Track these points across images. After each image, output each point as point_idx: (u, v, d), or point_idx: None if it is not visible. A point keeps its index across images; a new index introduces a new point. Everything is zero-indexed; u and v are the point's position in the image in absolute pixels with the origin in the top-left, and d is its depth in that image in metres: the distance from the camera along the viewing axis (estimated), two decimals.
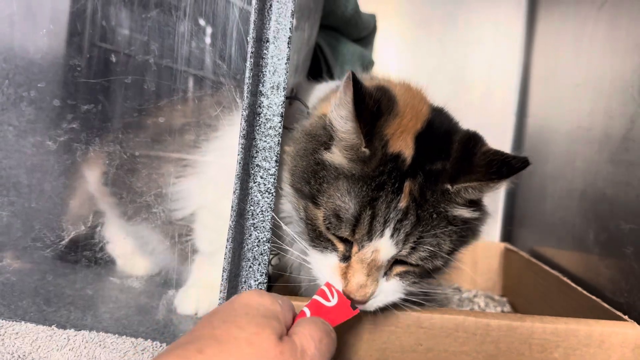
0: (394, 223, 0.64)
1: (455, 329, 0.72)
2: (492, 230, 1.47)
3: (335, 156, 0.68)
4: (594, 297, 0.87)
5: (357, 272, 0.64)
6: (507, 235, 1.47)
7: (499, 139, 1.49)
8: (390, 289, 0.68)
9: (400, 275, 0.68)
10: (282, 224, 0.74)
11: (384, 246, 0.64)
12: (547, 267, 1.07)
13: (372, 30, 1.31)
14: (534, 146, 1.38)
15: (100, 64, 0.79)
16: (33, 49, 0.80)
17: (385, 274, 0.68)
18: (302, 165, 0.71)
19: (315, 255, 0.69)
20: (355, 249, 0.66)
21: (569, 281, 0.96)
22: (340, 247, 0.68)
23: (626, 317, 0.77)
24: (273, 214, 0.72)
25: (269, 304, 0.53)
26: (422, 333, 0.72)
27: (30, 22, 0.80)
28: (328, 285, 0.65)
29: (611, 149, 0.94)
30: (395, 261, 0.67)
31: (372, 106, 0.65)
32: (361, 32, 1.24)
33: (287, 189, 0.74)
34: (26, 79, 0.80)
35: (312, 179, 0.68)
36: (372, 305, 0.67)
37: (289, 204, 0.75)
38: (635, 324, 0.74)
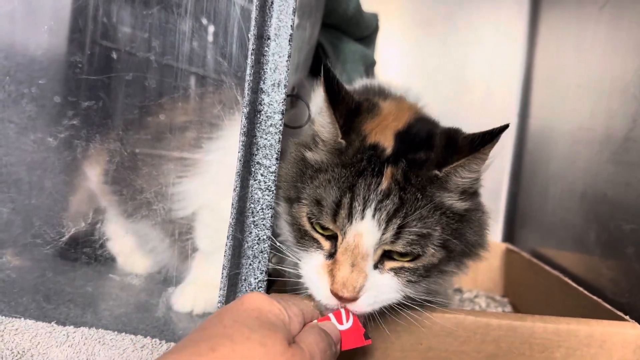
0: (375, 203, 0.62)
1: (455, 328, 0.72)
2: (493, 231, 1.47)
3: (317, 154, 0.70)
4: (595, 298, 0.86)
5: (342, 264, 0.62)
6: (509, 235, 1.47)
7: (501, 140, 1.49)
8: (384, 284, 0.65)
9: (395, 270, 0.65)
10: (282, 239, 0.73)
11: (366, 229, 0.62)
12: (548, 268, 1.07)
13: (375, 30, 1.31)
14: (536, 147, 1.37)
15: (101, 60, 0.79)
16: (34, 45, 0.80)
17: (377, 267, 0.65)
18: (292, 171, 0.71)
19: (304, 259, 0.68)
20: (339, 240, 0.64)
21: (570, 281, 0.96)
22: (326, 245, 0.66)
23: (627, 317, 0.77)
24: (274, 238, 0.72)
25: (278, 313, 0.53)
26: (422, 332, 0.72)
27: (31, 18, 0.80)
28: (347, 309, 0.64)
29: (612, 150, 0.94)
30: (385, 255, 0.65)
31: (351, 104, 0.68)
32: (363, 31, 1.24)
33: (280, 203, 0.74)
34: (27, 76, 0.80)
35: (299, 181, 0.69)
36: (365, 303, 0.63)
37: (282, 224, 0.75)
38: (636, 324, 0.74)
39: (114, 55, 0.79)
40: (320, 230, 0.66)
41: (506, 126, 0.62)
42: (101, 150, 0.82)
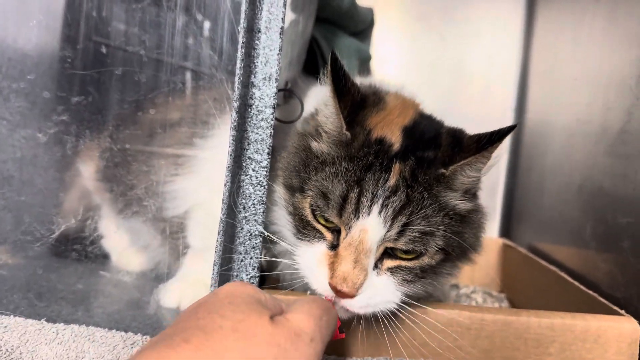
0: (382, 199, 0.62)
1: (449, 323, 0.71)
2: (490, 226, 1.46)
3: (322, 144, 0.69)
4: (591, 292, 0.86)
5: (344, 259, 0.62)
6: (505, 230, 1.46)
7: None
8: (381, 284, 0.65)
9: (392, 270, 0.65)
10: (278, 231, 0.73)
11: (372, 225, 0.62)
12: (544, 263, 1.06)
13: (370, 24, 1.30)
14: (533, 141, 1.37)
15: (91, 55, 0.78)
16: (24, 40, 0.79)
17: (376, 266, 0.65)
18: (294, 161, 0.71)
19: (302, 248, 0.68)
20: (343, 234, 0.64)
21: (566, 276, 0.95)
22: (329, 236, 0.66)
23: (623, 311, 0.77)
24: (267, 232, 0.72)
25: (253, 292, 0.53)
26: (415, 327, 0.71)
27: (22, 12, 0.79)
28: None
29: (608, 142, 0.93)
30: (385, 254, 0.65)
31: (356, 96, 0.68)
32: (358, 25, 1.23)
33: (278, 191, 0.74)
34: (19, 72, 0.79)
35: (302, 170, 0.68)
36: (360, 303, 0.63)
37: (280, 212, 0.74)
38: (632, 318, 0.73)
39: (104, 50, 0.78)
40: (323, 222, 0.66)
41: (513, 127, 0.63)
42: (92, 146, 0.81)
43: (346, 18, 1.17)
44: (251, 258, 0.71)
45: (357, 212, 0.62)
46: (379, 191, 0.62)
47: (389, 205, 0.62)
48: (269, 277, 0.85)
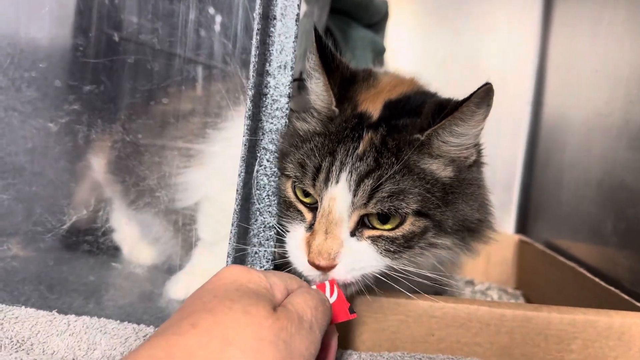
0: (349, 167, 0.62)
1: (468, 319, 0.69)
2: (506, 222, 1.44)
3: (305, 123, 0.70)
4: (612, 288, 0.84)
5: (317, 232, 0.62)
6: (522, 226, 1.44)
7: (514, 129, 1.46)
8: (361, 250, 0.63)
9: (373, 239, 0.64)
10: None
11: (339, 192, 0.62)
12: (562, 259, 1.04)
13: (384, 16, 1.29)
14: (550, 135, 1.34)
15: (103, 44, 0.77)
16: (36, 29, 0.78)
17: (355, 234, 0.63)
18: (284, 145, 0.70)
19: (289, 233, 0.67)
20: (319, 209, 0.64)
21: (585, 272, 0.93)
22: (308, 216, 0.66)
23: None
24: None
25: (258, 280, 0.51)
26: (433, 323, 0.69)
27: (33, 1, 0.78)
28: (331, 282, 0.63)
29: (631, 135, 0.91)
30: (363, 225, 0.64)
31: (346, 72, 0.69)
32: (372, 17, 1.21)
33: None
34: (31, 63, 0.78)
35: (286, 152, 0.68)
36: (344, 270, 0.62)
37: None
38: None
39: (116, 38, 0.77)
40: (303, 199, 0.66)
41: (487, 84, 0.59)
42: (103, 136, 0.80)
43: (361, 9, 1.15)
44: (265, 250, 0.70)
45: (326, 182, 0.63)
46: (348, 159, 0.63)
47: (354, 172, 0.62)
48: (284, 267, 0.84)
